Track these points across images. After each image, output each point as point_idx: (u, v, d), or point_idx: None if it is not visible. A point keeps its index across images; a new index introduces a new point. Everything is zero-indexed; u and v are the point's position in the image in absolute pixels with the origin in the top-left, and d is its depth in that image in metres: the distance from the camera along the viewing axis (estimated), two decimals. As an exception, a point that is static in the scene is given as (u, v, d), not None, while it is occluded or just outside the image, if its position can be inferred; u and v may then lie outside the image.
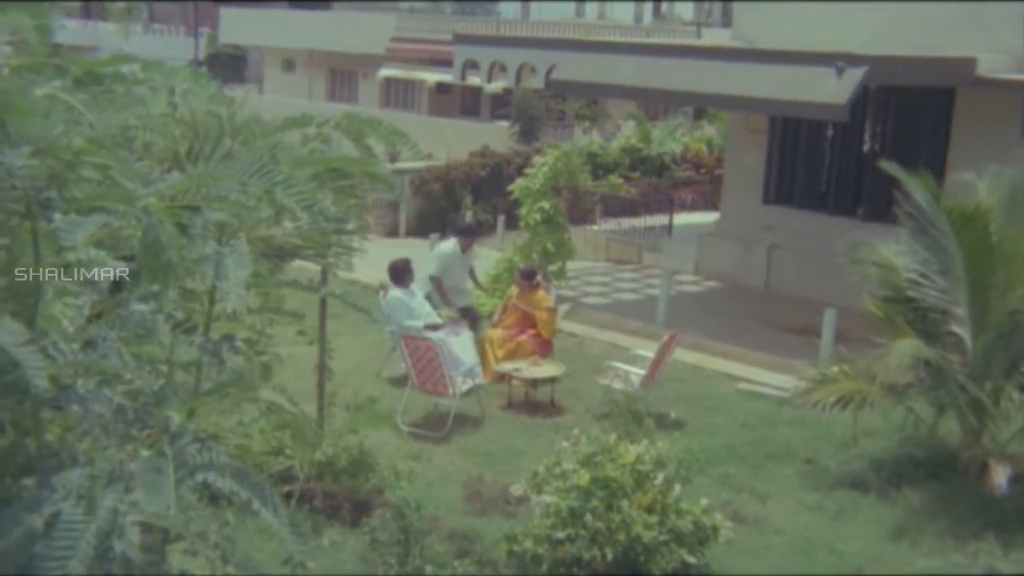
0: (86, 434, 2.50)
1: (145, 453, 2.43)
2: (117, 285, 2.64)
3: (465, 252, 12.34)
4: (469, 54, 16.72)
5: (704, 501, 7.40)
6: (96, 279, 2.48)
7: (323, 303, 8.97)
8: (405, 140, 3.52)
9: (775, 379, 11.93)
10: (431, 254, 12.78)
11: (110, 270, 2.48)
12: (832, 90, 11.77)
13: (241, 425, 7.87)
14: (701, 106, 23.90)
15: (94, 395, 2.47)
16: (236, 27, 46.26)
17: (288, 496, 8.04)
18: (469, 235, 12.60)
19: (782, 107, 13.11)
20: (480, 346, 11.81)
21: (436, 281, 12.17)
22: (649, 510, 7.15)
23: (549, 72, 15.19)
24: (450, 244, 12.44)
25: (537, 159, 15.43)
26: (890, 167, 9.54)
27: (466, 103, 42.35)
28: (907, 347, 8.69)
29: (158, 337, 2.63)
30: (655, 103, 27.56)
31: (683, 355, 12.18)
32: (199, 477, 2.45)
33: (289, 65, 46.12)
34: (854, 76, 11.69)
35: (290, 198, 2.51)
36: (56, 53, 2.77)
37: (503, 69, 17.00)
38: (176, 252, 2.37)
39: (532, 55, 15.91)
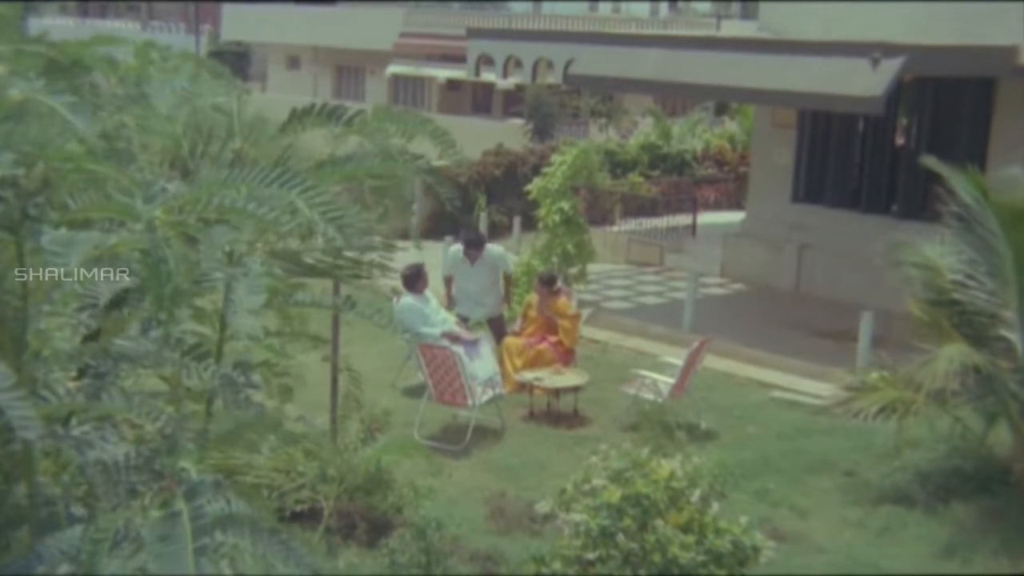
0: (85, 480, 2.27)
1: (156, 513, 2.21)
2: (117, 302, 2.43)
3: (473, 263, 12.06)
4: (483, 49, 16.52)
5: (744, 519, 7.16)
6: (93, 299, 2.27)
7: (336, 317, 8.79)
8: (447, 139, 3.31)
9: (810, 387, 11.70)
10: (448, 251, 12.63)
11: (107, 288, 2.26)
12: (867, 82, 11.53)
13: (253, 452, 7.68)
14: (727, 100, 23.63)
15: (92, 437, 2.25)
16: (239, 23, 46.18)
17: (299, 515, 8.00)
18: (472, 248, 12.22)
19: (813, 100, 12.87)
20: (499, 355, 11.59)
21: (446, 280, 12.12)
22: (685, 529, 6.92)
23: (567, 67, 14.98)
24: (455, 248, 12.28)
25: (555, 157, 15.22)
26: (931, 162, 9.30)
27: (477, 100, 42.17)
28: (955, 353, 8.46)
29: (164, 366, 2.42)
30: (678, 97, 27.31)
31: (712, 361, 11.96)
32: (217, 537, 2.23)
33: (294, 63, 46.02)
34: (890, 67, 11.45)
35: (314, 210, 2.30)
36: (36, 40, 2.55)
37: (519, 64, 16.80)
38: (184, 274, 2.15)
39: (549, 49, 15.70)
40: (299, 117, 3.03)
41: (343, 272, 3.83)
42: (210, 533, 2.21)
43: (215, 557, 2.23)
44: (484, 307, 12.27)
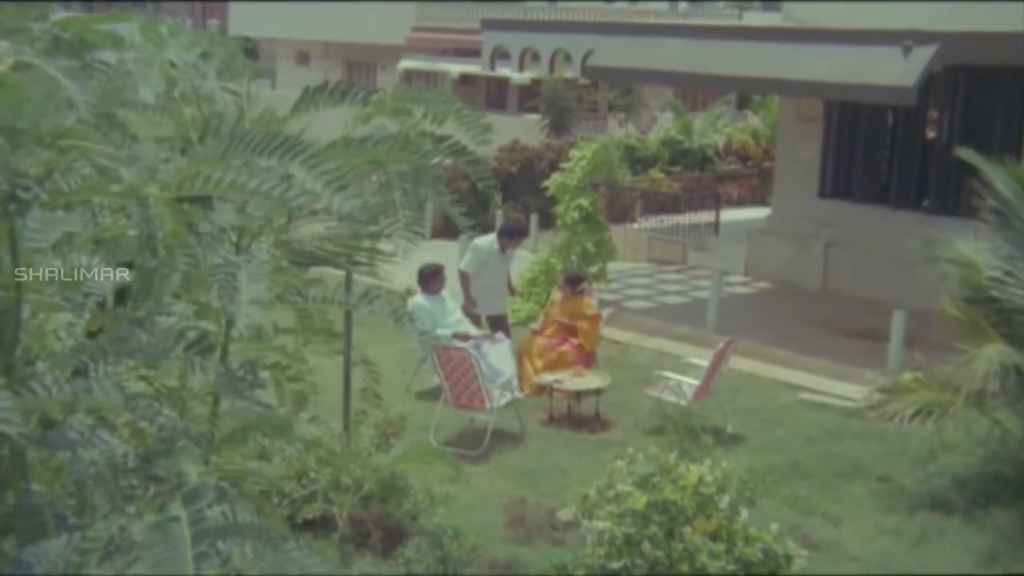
0: (77, 485, 2.16)
1: (152, 518, 2.09)
2: (121, 297, 2.32)
3: (505, 252, 11.97)
4: (499, 41, 16.41)
5: (774, 526, 7.03)
6: (92, 290, 2.16)
7: (348, 314, 8.69)
8: (478, 122, 3.18)
9: (840, 388, 11.57)
10: (467, 248, 12.44)
11: (107, 279, 2.14)
12: (898, 71, 11.37)
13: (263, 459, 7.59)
14: (751, 92, 23.48)
15: (87, 438, 2.13)
16: (246, 18, 46.14)
17: (312, 523, 7.90)
18: (515, 237, 12.17)
19: (841, 91, 12.71)
20: (517, 356, 11.48)
21: (463, 276, 11.84)
22: (714, 537, 6.81)
23: (585, 59, 14.85)
24: (488, 239, 12.07)
25: (573, 152, 15.09)
26: (967, 155, 9.14)
27: (492, 96, 42.04)
28: (994, 353, 8.30)
29: (165, 362, 2.30)
30: (700, 89, 27.16)
31: (737, 362, 11.82)
32: (219, 545, 2.11)
33: (303, 58, 46.01)
34: (923, 55, 11.30)
35: (317, 179, 2.18)
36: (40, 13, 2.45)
37: (535, 57, 16.68)
38: (182, 255, 2.04)
39: (567, 40, 15.58)
40: (312, 96, 2.91)
41: (342, 260, 3.71)
42: (211, 539, 2.09)
43: (217, 566, 2.11)
44: (501, 301, 12.16)
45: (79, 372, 2.17)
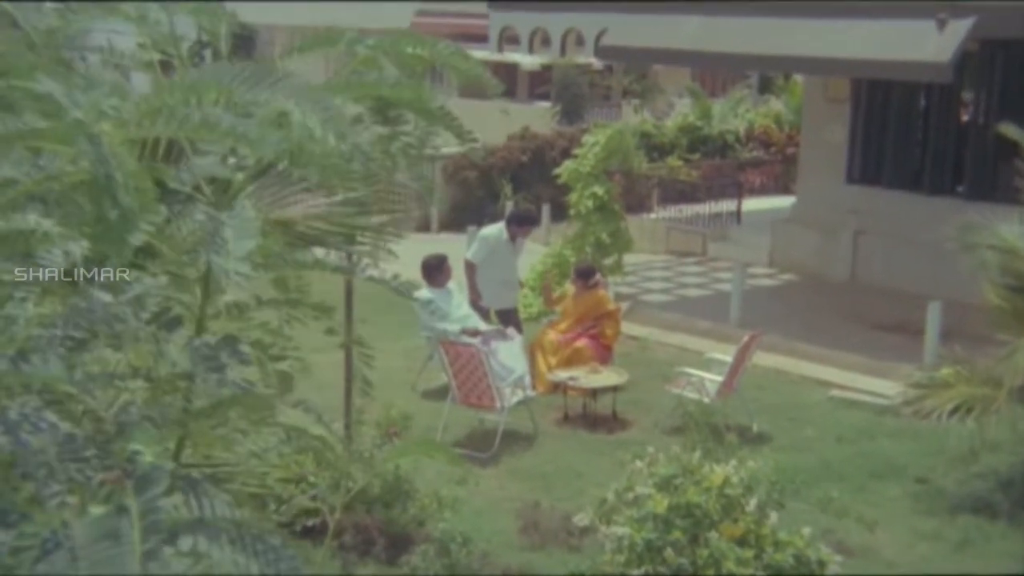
0: (25, 478, 1.98)
1: (97, 509, 1.89)
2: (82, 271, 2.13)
3: (515, 242, 11.78)
4: (507, 21, 16.23)
5: (806, 530, 6.84)
6: (44, 261, 1.97)
7: (349, 303, 8.54)
8: (479, 70, 2.99)
9: (872, 384, 11.39)
10: (474, 239, 12.24)
11: (58, 249, 1.96)
12: (932, 46, 11.16)
13: (256, 456, 7.42)
14: (775, 71, 23.21)
15: (32, 421, 1.94)
16: (243, 4, 46.02)
17: (311, 530, 7.74)
18: (526, 225, 11.98)
19: (872, 68, 12.52)
20: (530, 353, 11.30)
21: (468, 266, 11.66)
22: (741, 542, 6.65)
23: (599, 38, 14.66)
24: (496, 228, 11.89)
25: (587, 138, 14.91)
26: (1010, 130, 8.95)
27: (501, 82, 41.79)
28: (1041, 344, 8.09)
29: (128, 337, 2.11)
30: (721, 69, 26.88)
31: (762, 358, 11.65)
32: (183, 543, 1.92)
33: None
34: (958, 29, 11.09)
35: (310, 114, 1.98)
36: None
37: (546, 39, 16.50)
38: (148, 213, 1.85)
39: (579, 20, 15.39)
40: (302, 44, 2.73)
41: (338, 240, 3.52)
42: (166, 534, 1.90)
43: (188, 565, 1.92)
44: (512, 293, 11.97)
45: (24, 353, 1.98)
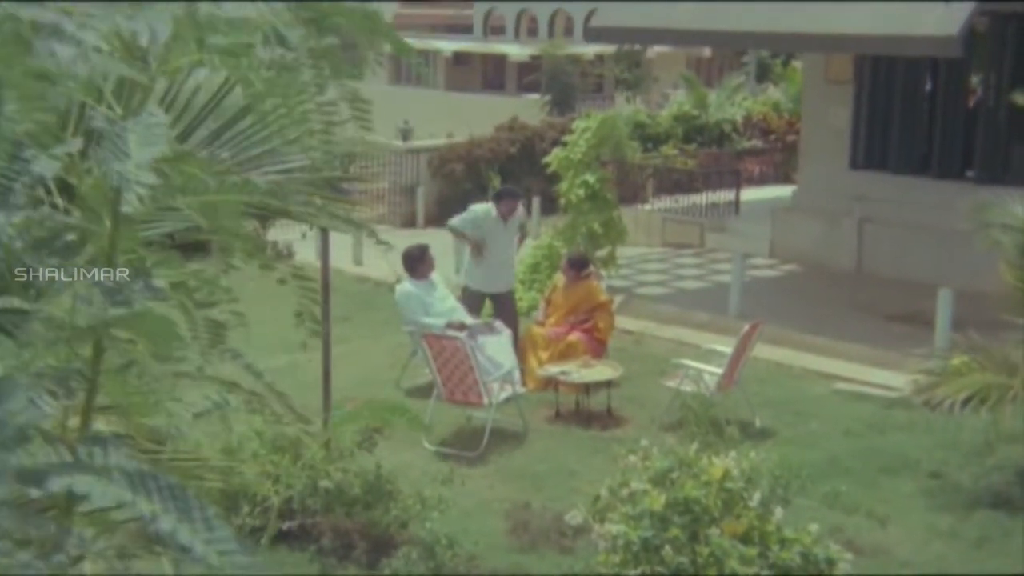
0: None
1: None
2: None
3: (507, 221, 11.56)
4: (492, 4, 16.01)
5: (814, 527, 6.65)
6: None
7: (326, 299, 8.38)
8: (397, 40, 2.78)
9: (880, 376, 11.23)
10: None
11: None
12: (940, 19, 11.01)
13: (228, 452, 7.20)
14: (775, 49, 23.10)
15: None
16: None
17: (287, 535, 7.55)
18: (510, 199, 11.76)
19: (877, 44, 12.37)
20: (520, 347, 11.11)
21: (452, 231, 11.83)
22: (745, 539, 6.47)
23: (588, 19, 14.47)
24: (484, 206, 11.75)
25: (577, 123, 14.73)
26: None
27: (489, 75, 41.71)
28: (1059, 327, 7.92)
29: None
30: (718, 47, 26.77)
31: (764, 351, 11.46)
32: (53, 484, 1.68)
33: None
34: (967, 1, 10.91)
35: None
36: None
37: (533, 23, 16.31)
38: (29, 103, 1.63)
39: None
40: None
41: (300, 210, 3.31)
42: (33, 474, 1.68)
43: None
44: (507, 275, 11.77)
45: None
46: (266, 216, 3.97)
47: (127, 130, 1.81)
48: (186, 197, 2.12)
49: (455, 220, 11.73)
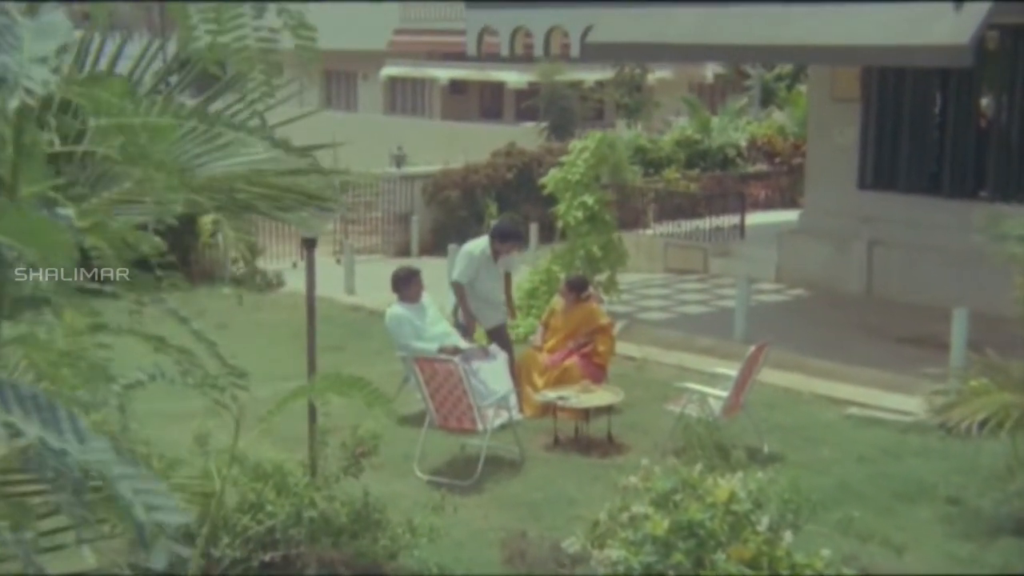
0: None
1: None
2: None
3: (497, 259, 11.36)
4: (486, 20, 15.95)
5: (826, 552, 6.45)
6: None
7: (311, 325, 8.24)
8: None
9: (894, 401, 11.08)
10: (457, 257, 11.87)
11: None
12: (949, 28, 10.89)
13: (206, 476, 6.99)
14: (778, 61, 23.05)
15: None
16: (212, 28, 46.01)
17: (270, 566, 7.33)
18: (510, 240, 11.52)
19: (884, 55, 12.26)
20: (516, 374, 10.91)
21: (458, 288, 11.26)
22: (753, 565, 6.27)
23: (584, 35, 14.39)
24: (479, 243, 11.50)
25: (574, 144, 14.62)
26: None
27: (486, 103, 41.82)
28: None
29: None
30: (720, 61, 26.73)
31: (772, 376, 11.30)
32: None
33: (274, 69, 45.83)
34: (978, 10, 10.82)
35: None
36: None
37: (529, 39, 16.26)
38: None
39: (563, 16, 15.11)
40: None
41: (273, 205, 3.14)
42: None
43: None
44: (498, 312, 11.57)
45: None
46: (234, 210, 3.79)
47: (20, 24, 1.65)
48: (99, 120, 1.95)
49: (457, 274, 11.42)
